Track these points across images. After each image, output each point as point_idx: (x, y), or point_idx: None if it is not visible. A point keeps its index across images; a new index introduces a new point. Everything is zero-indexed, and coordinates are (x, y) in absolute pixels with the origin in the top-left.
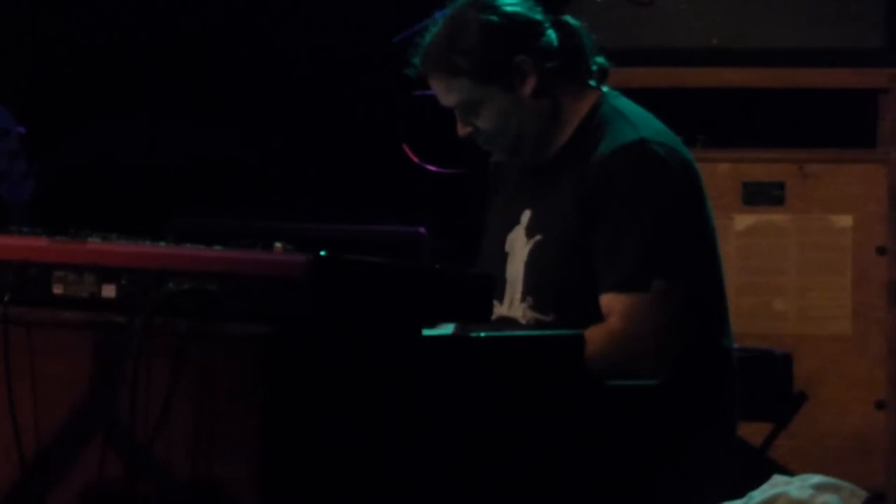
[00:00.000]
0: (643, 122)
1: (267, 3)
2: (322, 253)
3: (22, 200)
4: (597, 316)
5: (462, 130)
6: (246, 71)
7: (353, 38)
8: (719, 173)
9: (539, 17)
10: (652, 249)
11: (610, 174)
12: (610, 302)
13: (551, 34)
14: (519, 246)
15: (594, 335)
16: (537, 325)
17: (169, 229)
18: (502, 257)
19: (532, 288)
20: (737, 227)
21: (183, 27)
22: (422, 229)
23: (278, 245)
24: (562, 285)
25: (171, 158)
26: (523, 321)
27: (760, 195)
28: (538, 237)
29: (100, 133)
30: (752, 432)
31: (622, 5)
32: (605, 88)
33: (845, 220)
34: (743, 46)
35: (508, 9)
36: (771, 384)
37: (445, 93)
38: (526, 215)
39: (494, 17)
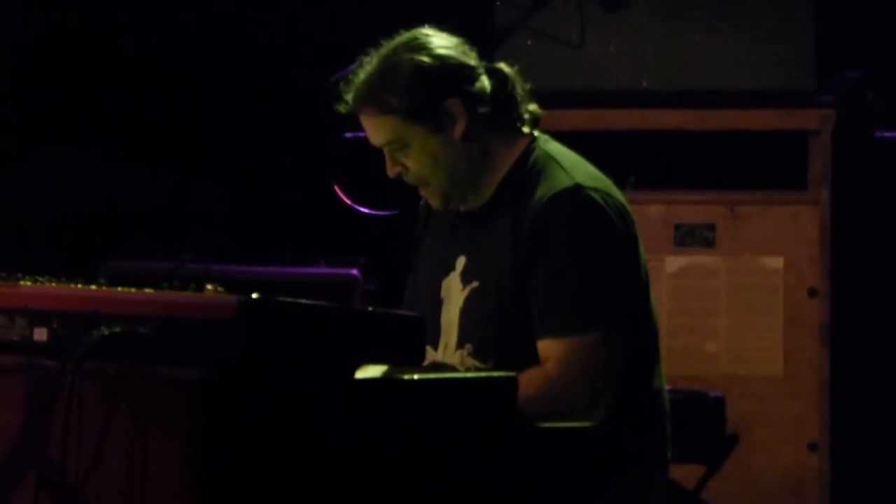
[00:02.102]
0: (577, 168)
1: (197, 44)
2: (254, 295)
3: None
4: (536, 362)
5: (391, 170)
6: (178, 113)
7: (283, 79)
8: (650, 215)
9: (472, 62)
10: (588, 294)
11: (546, 220)
12: (547, 347)
13: (484, 80)
14: (454, 292)
15: (531, 378)
16: (476, 371)
17: (101, 272)
18: (437, 303)
19: (470, 335)
20: (668, 268)
21: (112, 69)
22: (354, 271)
23: (210, 288)
24: (501, 332)
25: (104, 201)
26: (462, 368)
27: (691, 237)
28: (474, 284)
29: (30, 175)
30: (685, 474)
31: (552, 47)
32: (535, 133)
33: (776, 262)
34: (673, 89)
35: (442, 51)
36: (703, 426)
37: (375, 131)
38: (461, 261)
39: (427, 59)
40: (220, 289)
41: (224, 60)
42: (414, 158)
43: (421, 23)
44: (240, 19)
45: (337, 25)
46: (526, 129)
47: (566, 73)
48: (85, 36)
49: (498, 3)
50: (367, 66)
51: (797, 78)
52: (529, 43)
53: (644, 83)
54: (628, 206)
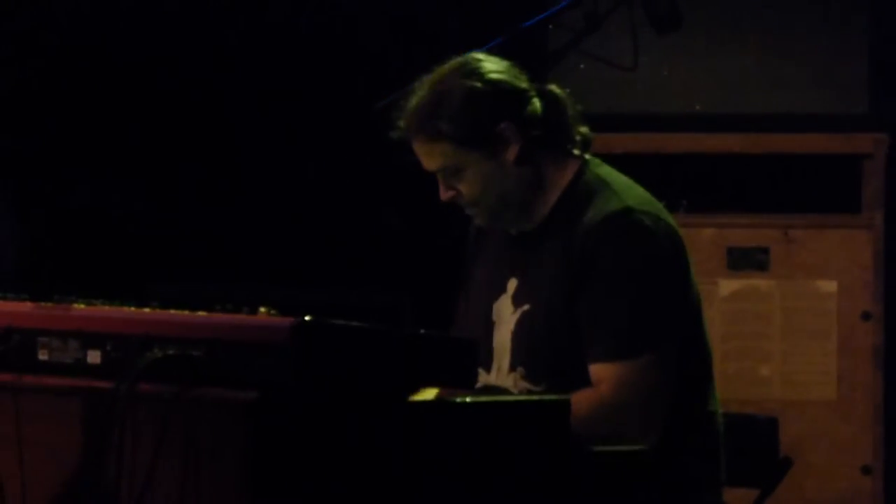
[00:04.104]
0: (628, 191)
1: (245, 72)
2: (307, 318)
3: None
4: (589, 385)
5: (444, 194)
6: (233, 138)
7: (337, 102)
8: (703, 238)
9: (524, 85)
10: (640, 318)
11: (597, 243)
12: (599, 371)
13: (536, 103)
14: (506, 315)
15: (583, 400)
16: (529, 394)
17: (154, 295)
18: (489, 326)
19: (522, 358)
20: (721, 292)
21: (164, 96)
22: (405, 294)
23: (263, 310)
24: (552, 355)
25: (157, 223)
26: (515, 390)
27: (745, 260)
28: (526, 307)
29: (84, 198)
30: (738, 497)
31: (605, 71)
32: (587, 156)
33: (830, 286)
34: (726, 112)
35: (493, 76)
36: (756, 449)
37: (428, 157)
38: (512, 284)
39: (479, 84)
40: (272, 311)
41: (273, 86)
42: (467, 183)
43: (473, 47)
44: (289, 50)
45: (386, 51)
46: (577, 152)
47: (619, 96)
48: (140, 66)
49: (550, 26)
50: (419, 92)
51: (851, 102)
52: (582, 66)
53: (697, 106)
54: (679, 230)
